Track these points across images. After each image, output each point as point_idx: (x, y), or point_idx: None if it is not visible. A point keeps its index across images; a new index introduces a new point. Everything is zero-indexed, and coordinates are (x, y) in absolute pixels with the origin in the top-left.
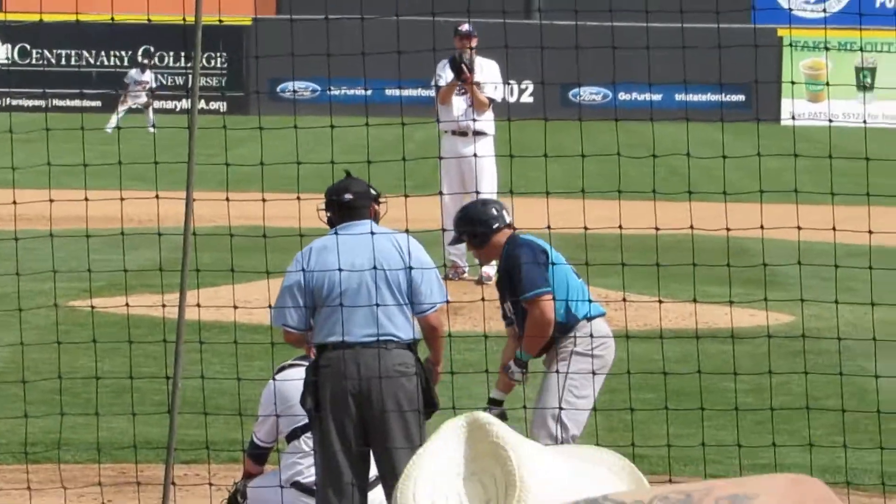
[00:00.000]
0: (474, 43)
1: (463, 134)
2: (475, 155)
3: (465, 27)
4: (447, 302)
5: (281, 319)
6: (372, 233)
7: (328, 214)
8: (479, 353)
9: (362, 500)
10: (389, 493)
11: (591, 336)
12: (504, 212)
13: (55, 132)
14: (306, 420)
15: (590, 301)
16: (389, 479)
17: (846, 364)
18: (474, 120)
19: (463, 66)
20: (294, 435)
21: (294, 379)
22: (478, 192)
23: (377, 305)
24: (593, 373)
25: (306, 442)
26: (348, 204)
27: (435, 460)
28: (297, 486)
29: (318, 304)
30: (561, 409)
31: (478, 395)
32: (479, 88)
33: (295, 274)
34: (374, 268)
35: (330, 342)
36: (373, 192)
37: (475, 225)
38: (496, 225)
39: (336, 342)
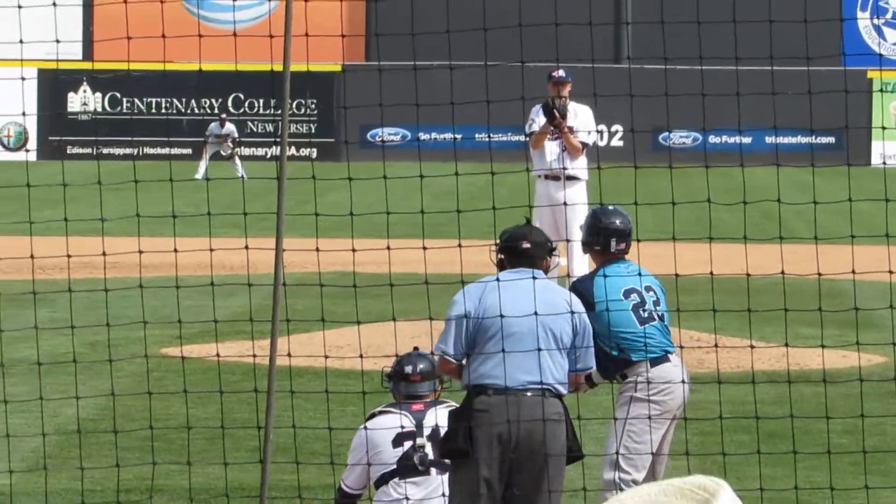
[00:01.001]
0: (568, 88)
1: (556, 178)
2: (564, 203)
3: (560, 73)
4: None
5: (441, 347)
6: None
7: (500, 257)
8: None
9: None
10: None
11: (647, 382)
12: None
13: (146, 181)
14: (395, 466)
15: (642, 346)
16: None
17: None
18: (564, 168)
19: (555, 111)
20: (383, 480)
21: (385, 427)
22: (568, 240)
23: (538, 350)
24: (649, 417)
25: (395, 488)
26: (525, 252)
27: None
28: None
29: (479, 342)
30: (619, 454)
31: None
32: (572, 133)
33: (461, 306)
34: (536, 312)
35: (490, 385)
36: (549, 245)
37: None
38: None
39: (497, 387)
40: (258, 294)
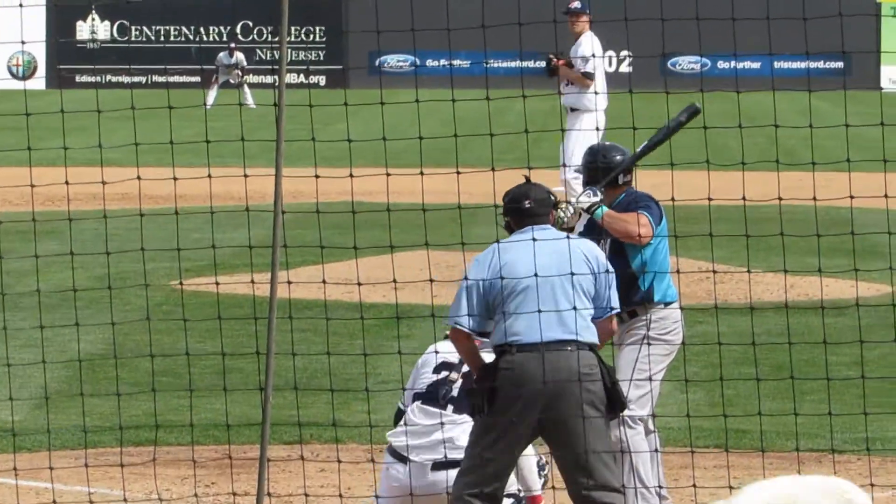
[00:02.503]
0: (583, 19)
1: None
2: (562, 129)
3: (574, 4)
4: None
5: (454, 319)
6: (568, 237)
7: (507, 219)
8: None
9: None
10: (577, 493)
11: (656, 321)
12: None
13: (155, 109)
14: (423, 390)
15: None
16: (580, 479)
17: None
18: (560, 93)
19: (547, 70)
20: (412, 399)
21: (445, 352)
22: (565, 165)
23: (573, 309)
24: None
25: (412, 411)
26: (528, 211)
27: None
28: (390, 449)
29: (498, 306)
30: (631, 381)
31: None
32: (572, 69)
33: (474, 273)
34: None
35: (514, 343)
36: (552, 198)
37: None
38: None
39: (520, 343)
40: (263, 224)
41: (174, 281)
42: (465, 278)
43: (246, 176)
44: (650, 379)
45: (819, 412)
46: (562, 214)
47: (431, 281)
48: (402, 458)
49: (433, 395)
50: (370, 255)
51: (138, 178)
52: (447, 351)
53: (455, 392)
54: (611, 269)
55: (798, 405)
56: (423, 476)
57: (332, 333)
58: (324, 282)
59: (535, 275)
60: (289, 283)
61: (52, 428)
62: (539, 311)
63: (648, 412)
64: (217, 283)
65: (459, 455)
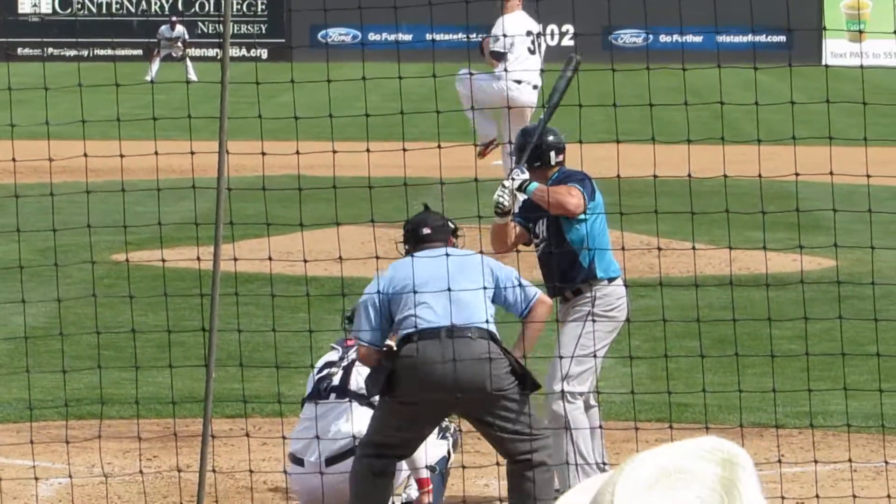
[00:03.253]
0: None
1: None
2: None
3: None
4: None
5: (355, 335)
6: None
7: (406, 247)
8: None
9: (388, 477)
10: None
11: (598, 298)
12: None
13: (97, 83)
14: (310, 390)
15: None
16: (502, 453)
17: (889, 308)
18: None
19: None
20: (304, 402)
21: (323, 359)
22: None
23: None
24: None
25: (304, 413)
26: (426, 237)
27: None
28: (290, 456)
29: (397, 311)
30: (569, 367)
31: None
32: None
33: (372, 291)
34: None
35: (411, 333)
36: (450, 225)
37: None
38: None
39: (421, 329)
40: (207, 198)
41: (116, 255)
42: (364, 296)
43: (193, 153)
44: (594, 355)
45: (762, 386)
46: (499, 197)
47: (378, 258)
48: (300, 461)
49: (316, 391)
50: (314, 228)
51: (85, 154)
52: (321, 360)
53: (336, 381)
54: (514, 275)
55: (741, 379)
56: (317, 477)
57: (275, 307)
58: (270, 258)
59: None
60: (234, 259)
61: None
62: (434, 301)
63: (589, 388)
64: (164, 261)
65: (347, 442)
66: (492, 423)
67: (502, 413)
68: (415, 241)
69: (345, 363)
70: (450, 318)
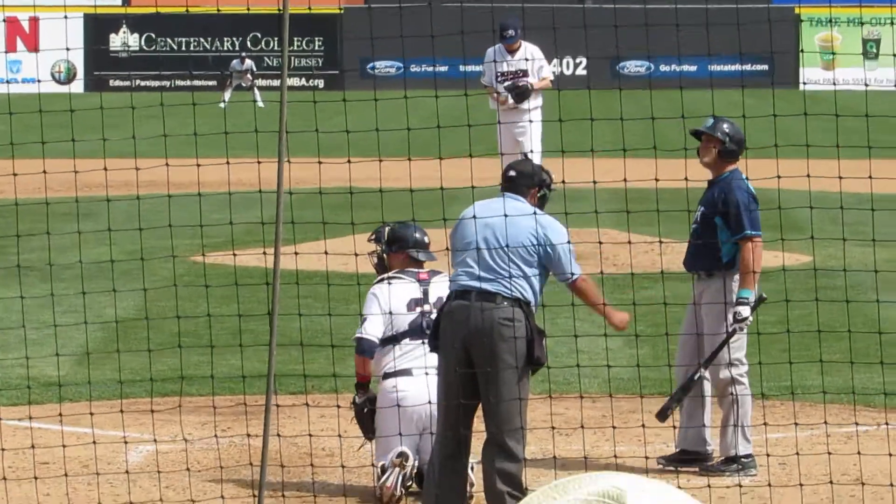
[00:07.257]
0: (518, 45)
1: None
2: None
3: (509, 32)
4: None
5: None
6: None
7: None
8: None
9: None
10: (492, 436)
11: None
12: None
13: (176, 108)
14: (406, 328)
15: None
16: (486, 423)
17: (858, 295)
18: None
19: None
20: (394, 339)
21: (398, 292)
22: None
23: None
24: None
25: (403, 346)
26: (508, 179)
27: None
28: (386, 375)
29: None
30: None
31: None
32: (534, 79)
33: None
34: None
35: (452, 291)
36: (540, 177)
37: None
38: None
39: (456, 290)
40: (272, 206)
41: (194, 256)
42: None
43: (259, 162)
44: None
45: (750, 362)
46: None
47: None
48: (407, 371)
49: (419, 329)
50: (364, 231)
51: (167, 164)
52: (395, 292)
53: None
54: (564, 241)
55: None
56: (425, 386)
57: (330, 299)
58: (326, 253)
59: (474, 217)
60: (295, 254)
61: (92, 381)
62: (476, 262)
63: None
64: (234, 255)
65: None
66: (486, 388)
67: (496, 382)
68: (502, 181)
69: (433, 299)
70: (481, 280)
